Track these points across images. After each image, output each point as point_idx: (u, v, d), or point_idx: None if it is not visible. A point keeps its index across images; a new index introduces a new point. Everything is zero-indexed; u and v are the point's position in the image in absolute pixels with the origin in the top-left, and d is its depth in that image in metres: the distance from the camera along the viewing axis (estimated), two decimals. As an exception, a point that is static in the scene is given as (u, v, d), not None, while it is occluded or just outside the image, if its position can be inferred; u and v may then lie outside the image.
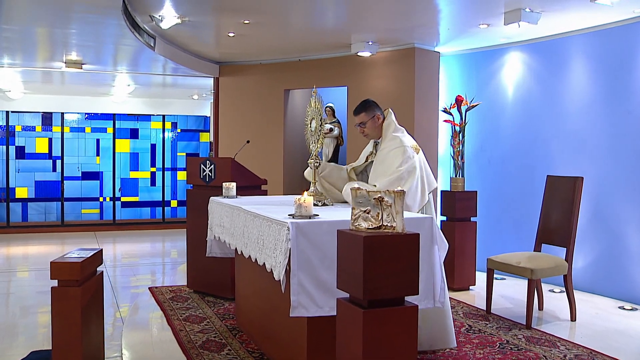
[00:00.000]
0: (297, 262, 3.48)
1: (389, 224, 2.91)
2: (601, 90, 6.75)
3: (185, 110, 13.62)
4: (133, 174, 13.31)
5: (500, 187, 7.83)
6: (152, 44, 7.22)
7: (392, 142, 4.63)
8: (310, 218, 3.61)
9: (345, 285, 2.96)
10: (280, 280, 3.56)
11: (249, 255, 4.21)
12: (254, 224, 4.12)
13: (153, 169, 13.46)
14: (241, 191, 5.92)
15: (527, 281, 5.44)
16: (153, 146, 13.45)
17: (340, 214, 3.87)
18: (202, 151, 13.74)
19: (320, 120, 4.55)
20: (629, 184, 6.45)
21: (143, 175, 13.40)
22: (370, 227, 2.94)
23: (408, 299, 2.96)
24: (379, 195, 2.91)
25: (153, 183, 13.47)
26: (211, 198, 5.47)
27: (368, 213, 2.95)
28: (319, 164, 4.69)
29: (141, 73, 9.78)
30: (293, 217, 3.63)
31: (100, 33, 6.70)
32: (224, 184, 5.39)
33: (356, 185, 3.21)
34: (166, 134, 13.52)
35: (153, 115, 13.41)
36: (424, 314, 4.31)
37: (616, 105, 6.58)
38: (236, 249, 4.63)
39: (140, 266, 9.17)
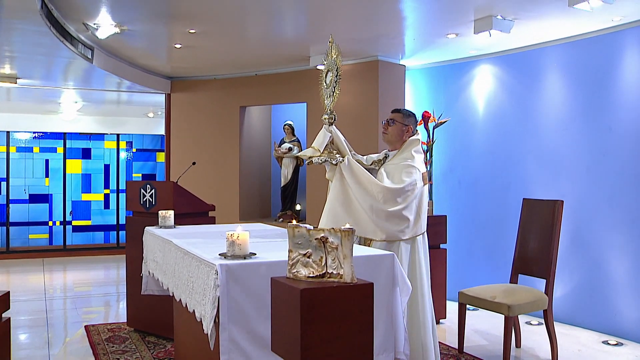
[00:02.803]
0: (227, 313, 2.84)
1: (334, 272, 2.30)
2: (579, 105, 6.27)
3: (141, 129, 12.93)
4: (85, 197, 12.57)
5: (472, 211, 7.29)
6: (90, 56, 6.56)
7: (408, 160, 4.17)
8: (245, 258, 2.97)
9: (281, 349, 2.33)
10: (208, 334, 2.93)
11: (180, 299, 3.57)
12: (184, 263, 3.48)
13: (107, 191, 12.76)
14: (185, 219, 5.32)
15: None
16: (107, 167, 12.76)
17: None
18: (159, 172, 13.08)
19: (337, 71, 4.05)
20: (610, 207, 5.96)
21: (96, 197, 12.67)
22: (312, 275, 2.33)
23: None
24: (322, 235, 2.30)
25: (107, 206, 12.76)
26: (146, 228, 4.82)
27: (309, 257, 2.34)
28: (334, 120, 4.16)
29: (84, 89, 9.08)
30: (225, 257, 3.00)
31: (27, 42, 6.01)
32: (160, 212, 4.76)
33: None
34: (121, 153, 12.85)
35: (106, 134, 12.71)
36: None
37: (596, 121, 6.10)
38: (169, 288, 3.98)
39: (92, 297, 8.43)
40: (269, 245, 3.64)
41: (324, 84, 4.19)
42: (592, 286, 6.11)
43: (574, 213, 6.18)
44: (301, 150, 8.69)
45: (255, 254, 3.05)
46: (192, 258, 3.31)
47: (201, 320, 3.09)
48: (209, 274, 2.96)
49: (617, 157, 5.90)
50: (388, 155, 4.35)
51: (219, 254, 3.06)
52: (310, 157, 4.13)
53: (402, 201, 3.99)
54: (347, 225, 2.28)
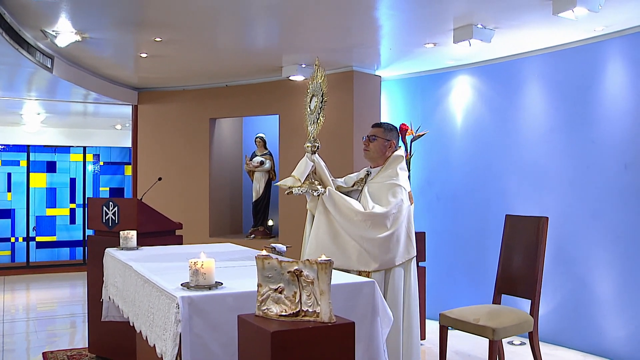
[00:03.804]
0: (190, 351, 2.54)
1: (310, 309, 2.01)
2: (561, 117, 6.08)
3: (109, 141, 12.59)
4: (50, 211, 12.17)
5: (451, 227, 7.06)
6: (49, 65, 6.22)
7: (393, 178, 3.95)
8: (210, 289, 2.67)
9: (249, 398, 2.04)
10: (169, 374, 2.62)
11: (140, 330, 3.25)
12: (144, 292, 3.17)
13: (72, 206, 12.35)
14: (150, 238, 5.02)
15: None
16: (73, 180, 12.36)
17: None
18: (127, 185, 12.71)
19: (322, 96, 3.81)
20: (594, 221, 5.76)
21: (61, 212, 12.27)
22: (284, 313, 2.04)
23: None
24: (296, 267, 2.01)
25: (73, 221, 12.35)
26: (106, 250, 4.51)
27: (281, 293, 2.05)
28: (318, 147, 3.92)
29: (46, 100, 8.72)
30: (188, 288, 2.70)
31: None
32: (121, 232, 4.45)
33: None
34: (87, 167, 12.46)
35: (72, 146, 12.33)
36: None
37: (578, 133, 5.92)
38: (129, 317, 3.66)
39: (56, 318, 8.04)
40: (237, 271, 3.34)
41: (308, 109, 3.94)
42: (576, 304, 5.91)
43: (557, 228, 5.97)
44: (273, 164, 8.41)
45: (222, 284, 2.75)
46: (152, 287, 3.01)
47: (162, 357, 2.79)
48: (170, 306, 2.66)
49: (601, 170, 5.72)
50: (370, 172, 4.09)
51: (182, 284, 2.75)
52: (290, 187, 3.85)
53: (391, 225, 3.74)
54: (324, 257, 1.99)
